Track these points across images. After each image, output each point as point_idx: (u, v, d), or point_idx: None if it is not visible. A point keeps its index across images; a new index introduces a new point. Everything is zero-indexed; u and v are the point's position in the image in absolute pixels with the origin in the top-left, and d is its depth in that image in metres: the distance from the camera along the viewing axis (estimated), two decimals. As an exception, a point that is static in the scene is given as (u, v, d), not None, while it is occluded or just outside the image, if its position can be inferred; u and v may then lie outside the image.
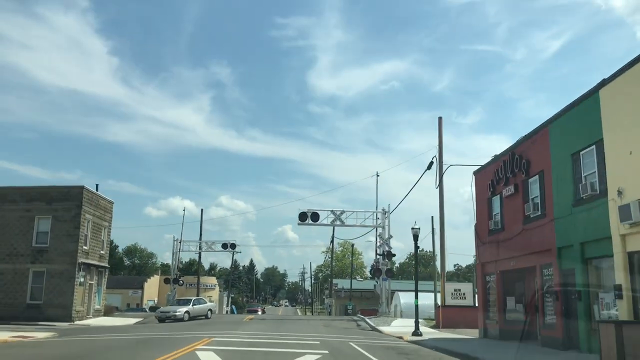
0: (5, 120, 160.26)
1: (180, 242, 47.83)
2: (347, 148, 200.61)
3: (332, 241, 68.39)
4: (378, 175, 35.86)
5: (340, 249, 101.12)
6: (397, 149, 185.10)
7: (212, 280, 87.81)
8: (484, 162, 23.86)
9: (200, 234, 55.50)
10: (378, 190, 41.70)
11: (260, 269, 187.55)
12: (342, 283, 75.98)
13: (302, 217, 33.05)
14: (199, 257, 58.53)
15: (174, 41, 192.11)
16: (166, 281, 50.16)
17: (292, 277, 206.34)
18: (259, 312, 68.84)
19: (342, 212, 33.01)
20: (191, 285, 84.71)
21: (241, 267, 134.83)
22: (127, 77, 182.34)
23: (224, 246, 48.66)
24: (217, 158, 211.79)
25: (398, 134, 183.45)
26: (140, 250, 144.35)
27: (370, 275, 43.01)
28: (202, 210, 63.85)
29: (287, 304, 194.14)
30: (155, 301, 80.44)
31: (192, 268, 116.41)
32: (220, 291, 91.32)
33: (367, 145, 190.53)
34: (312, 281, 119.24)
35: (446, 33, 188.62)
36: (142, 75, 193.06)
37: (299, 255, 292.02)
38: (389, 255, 32.62)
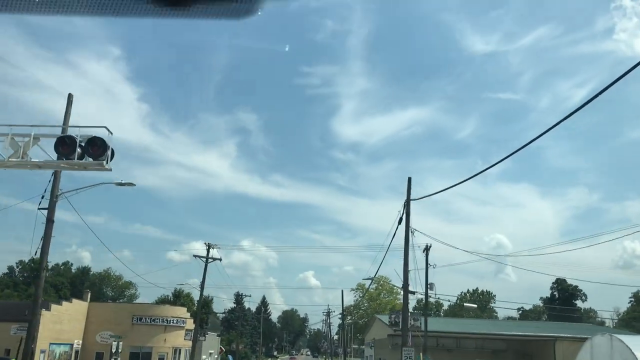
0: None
1: None
2: (370, 194, 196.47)
3: (408, 193, 31.26)
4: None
5: (374, 285, 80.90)
6: (420, 195, 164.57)
7: (181, 312, 53.05)
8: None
9: (66, 120, 22.51)
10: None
11: (276, 314, 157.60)
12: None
13: None
14: (51, 201, 23.98)
15: (202, 89, 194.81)
16: None
17: (315, 324, 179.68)
18: None
19: None
20: (154, 321, 50.79)
21: (247, 306, 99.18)
22: (156, 124, 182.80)
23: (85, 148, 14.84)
24: (242, 203, 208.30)
25: (421, 181, 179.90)
26: (114, 277, 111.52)
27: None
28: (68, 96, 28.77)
29: (309, 353, 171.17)
30: (78, 342, 46.27)
31: (180, 300, 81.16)
32: (203, 334, 56.54)
33: (389, 192, 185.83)
34: (342, 317, 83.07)
35: (470, 81, 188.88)
36: (170, 122, 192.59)
37: (321, 301, 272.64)
38: None
